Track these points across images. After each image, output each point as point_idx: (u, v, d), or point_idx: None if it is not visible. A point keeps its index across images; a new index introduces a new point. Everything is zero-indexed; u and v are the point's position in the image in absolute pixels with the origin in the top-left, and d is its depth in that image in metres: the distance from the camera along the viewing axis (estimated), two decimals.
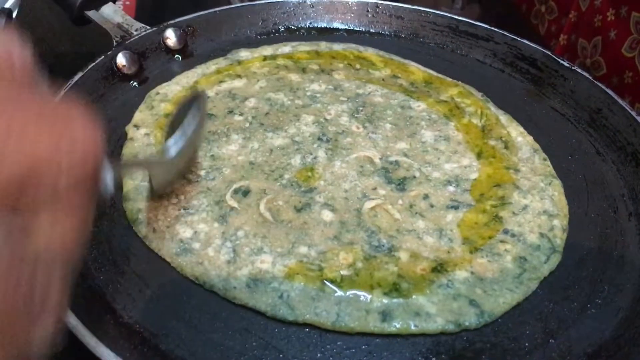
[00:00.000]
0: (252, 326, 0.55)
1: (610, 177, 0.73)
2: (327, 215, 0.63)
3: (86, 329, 0.50)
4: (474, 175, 0.70)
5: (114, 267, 0.59)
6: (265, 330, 0.54)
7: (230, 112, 0.75)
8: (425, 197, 0.66)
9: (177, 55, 0.87)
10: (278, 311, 0.55)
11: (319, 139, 0.72)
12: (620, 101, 0.78)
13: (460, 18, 0.93)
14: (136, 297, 0.56)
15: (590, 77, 0.83)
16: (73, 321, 0.50)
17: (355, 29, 0.96)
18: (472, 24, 0.92)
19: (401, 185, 0.67)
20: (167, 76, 0.82)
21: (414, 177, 0.68)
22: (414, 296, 0.56)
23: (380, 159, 0.70)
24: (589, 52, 1.06)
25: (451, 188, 0.67)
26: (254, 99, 0.77)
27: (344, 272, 0.57)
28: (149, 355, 0.51)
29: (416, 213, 0.64)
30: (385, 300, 0.56)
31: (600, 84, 0.81)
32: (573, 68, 0.85)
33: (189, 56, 0.87)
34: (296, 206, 0.63)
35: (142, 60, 0.83)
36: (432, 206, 0.65)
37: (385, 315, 0.55)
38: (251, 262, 0.58)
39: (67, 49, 0.89)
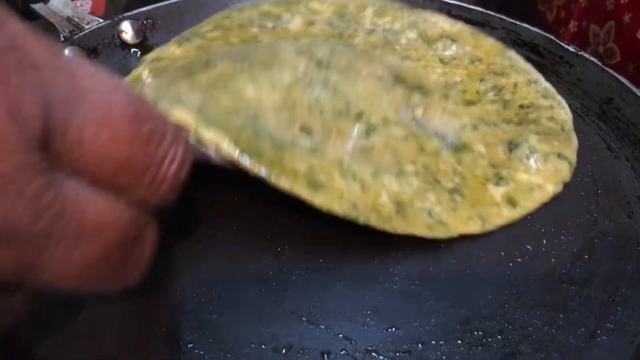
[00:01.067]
0: None
1: (624, 176, 0.64)
2: None
3: None
4: None
5: None
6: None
7: None
8: None
9: (134, 50, 0.79)
10: None
11: None
12: (634, 89, 0.70)
13: (452, 2, 0.84)
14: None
15: (599, 63, 0.74)
16: None
17: None
18: (465, 7, 0.84)
19: None
20: (124, 73, 0.74)
21: None
22: None
23: None
24: (602, 39, 0.99)
25: None
26: None
27: None
28: None
29: None
30: None
31: (611, 71, 0.73)
32: (580, 53, 0.76)
33: (148, 51, 0.79)
34: None
35: (94, 57, 0.75)
36: None
37: None
38: None
39: None
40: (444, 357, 0.47)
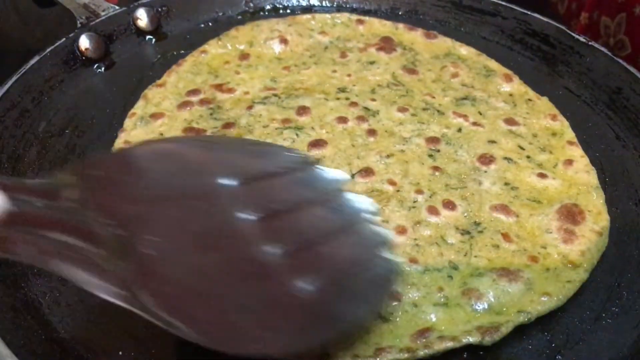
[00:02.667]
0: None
1: (632, 165, 0.65)
2: None
3: (5, 346, 0.43)
4: None
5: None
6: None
7: None
8: None
9: (148, 37, 0.79)
10: None
11: None
12: None
13: None
14: (77, 309, 0.49)
15: (609, 53, 0.74)
16: None
17: (349, 5, 0.87)
18: None
19: None
20: (138, 60, 0.75)
21: None
22: None
23: None
24: (613, 31, 0.98)
25: None
26: None
27: None
28: None
29: None
30: None
31: (621, 61, 0.73)
32: (590, 43, 0.76)
33: (162, 38, 0.80)
34: None
35: (109, 43, 0.76)
36: None
37: None
38: None
39: (18, 33, 0.81)
40: None
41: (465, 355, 0.48)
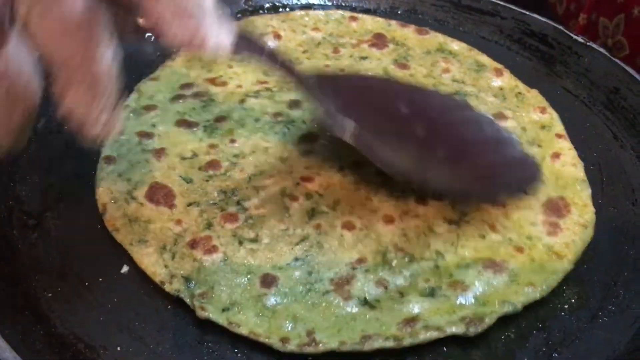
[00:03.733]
0: (205, 339, 0.48)
1: (629, 165, 0.65)
2: None
3: (3, 340, 0.43)
4: None
5: (54, 269, 0.52)
6: (220, 344, 0.47)
7: None
8: None
9: (148, 35, 0.79)
10: None
11: None
12: None
13: None
14: (75, 304, 0.49)
15: (607, 54, 0.74)
16: None
17: (348, 4, 0.88)
18: None
19: None
20: (137, 57, 0.75)
21: None
22: None
23: None
24: (611, 32, 0.98)
25: None
26: None
27: None
28: None
29: None
30: None
31: (618, 61, 0.73)
32: (588, 44, 0.76)
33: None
34: None
35: None
36: None
37: None
38: None
39: None
40: None
41: (458, 351, 0.48)
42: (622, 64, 0.72)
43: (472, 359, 0.47)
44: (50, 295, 0.50)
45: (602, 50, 0.75)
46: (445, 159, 0.57)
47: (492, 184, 0.58)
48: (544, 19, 0.81)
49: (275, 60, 0.53)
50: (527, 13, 0.82)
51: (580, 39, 0.77)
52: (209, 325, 0.48)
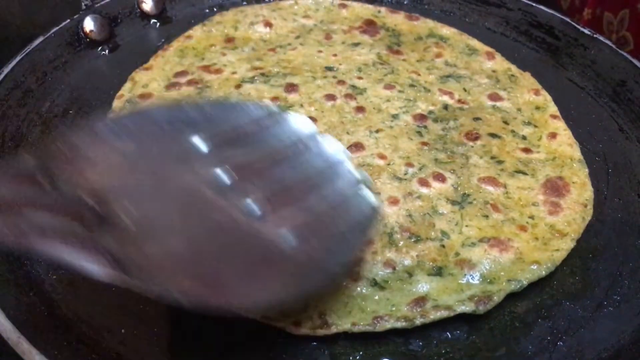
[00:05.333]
0: (211, 323, 0.47)
1: (635, 157, 0.65)
2: None
3: (9, 321, 0.43)
4: None
5: None
6: (224, 332, 0.47)
7: None
8: None
9: (153, 21, 0.79)
10: None
11: None
12: None
13: None
14: (79, 287, 0.49)
15: (614, 46, 0.74)
16: None
17: None
18: None
19: None
20: (142, 44, 0.75)
21: None
22: None
23: None
24: (615, 27, 0.99)
25: None
26: None
27: None
28: (84, 353, 0.44)
29: None
30: None
31: (625, 54, 0.73)
32: (595, 36, 0.76)
33: (167, 22, 0.80)
34: None
35: (114, 26, 0.76)
36: None
37: None
38: None
39: (19, 21, 0.80)
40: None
41: (462, 339, 0.48)
42: (629, 57, 0.72)
43: (477, 347, 0.47)
44: (54, 277, 0.50)
45: (608, 42, 0.75)
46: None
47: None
48: (551, 11, 0.80)
49: None
50: (534, 5, 0.81)
51: (586, 31, 0.77)
52: None
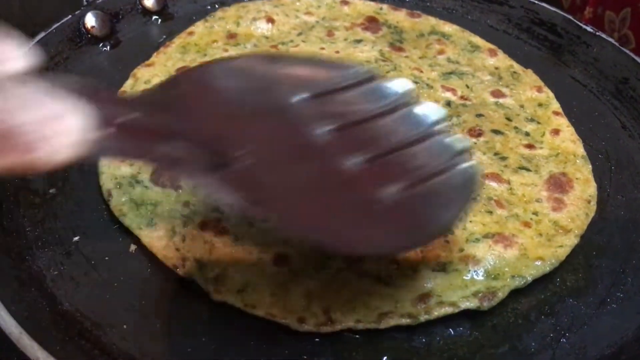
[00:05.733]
0: (214, 318, 0.47)
1: (638, 154, 0.65)
2: None
3: (10, 316, 0.43)
4: None
5: (60, 247, 0.52)
6: (229, 324, 0.47)
7: None
8: None
9: (155, 17, 0.79)
10: None
11: None
12: None
13: None
14: (81, 282, 0.49)
15: (616, 44, 0.74)
16: None
17: None
18: None
19: None
20: (144, 40, 0.75)
21: None
22: None
23: None
24: (617, 25, 0.98)
25: None
26: None
27: None
28: (86, 349, 0.44)
29: None
30: None
31: (627, 51, 0.73)
32: (597, 33, 0.76)
33: (169, 19, 0.79)
34: None
35: (115, 22, 0.75)
36: None
37: None
38: None
39: (18, 20, 0.79)
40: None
41: (465, 336, 0.48)
42: (632, 54, 0.72)
43: (480, 344, 0.47)
44: (56, 273, 0.50)
45: (611, 40, 0.75)
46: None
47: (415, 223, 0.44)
48: (553, 8, 0.80)
49: None
50: (536, 2, 0.81)
51: (589, 29, 0.77)
52: (215, 304, 0.48)
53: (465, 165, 0.46)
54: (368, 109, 0.46)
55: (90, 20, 0.73)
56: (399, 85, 0.49)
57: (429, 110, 0.48)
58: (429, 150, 0.46)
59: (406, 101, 0.48)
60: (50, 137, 0.32)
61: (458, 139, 0.47)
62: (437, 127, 0.47)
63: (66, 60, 0.70)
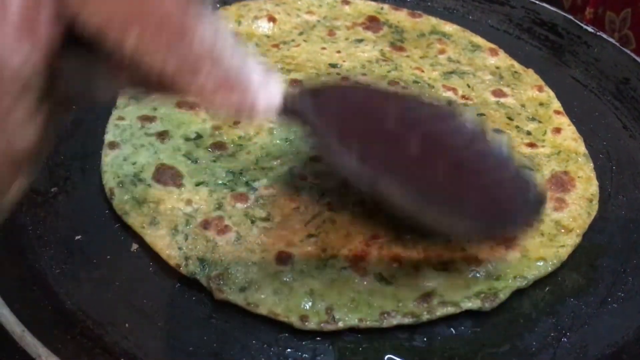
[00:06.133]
0: (213, 316, 0.47)
1: (639, 154, 0.65)
2: None
3: (13, 314, 0.43)
4: None
5: (62, 246, 0.52)
6: (230, 322, 0.47)
7: None
8: None
9: None
10: None
11: None
12: None
13: None
14: (83, 281, 0.49)
15: (617, 44, 0.74)
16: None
17: None
18: None
19: None
20: None
21: None
22: None
23: None
24: (618, 26, 0.98)
25: None
26: None
27: None
28: (87, 347, 0.44)
29: None
30: None
31: (628, 51, 0.73)
32: (598, 34, 0.76)
33: None
34: None
35: None
36: None
37: None
38: None
39: None
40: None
41: (466, 335, 0.48)
42: (633, 54, 0.72)
43: (481, 343, 0.47)
44: (58, 271, 0.50)
45: (611, 40, 0.75)
46: (446, 187, 0.48)
47: (498, 213, 0.49)
48: (554, 9, 0.80)
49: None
50: (537, 2, 0.81)
51: (590, 29, 0.77)
52: (216, 302, 0.48)
53: (535, 189, 0.50)
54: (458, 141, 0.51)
55: None
56: (471, 120, 0.56)
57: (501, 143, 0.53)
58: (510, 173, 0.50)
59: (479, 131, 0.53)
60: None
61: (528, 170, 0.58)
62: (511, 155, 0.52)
63: None
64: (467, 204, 0.46)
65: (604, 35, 0.76)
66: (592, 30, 0.76)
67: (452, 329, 0.48)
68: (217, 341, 0.46)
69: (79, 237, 0.52)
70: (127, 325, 0.46)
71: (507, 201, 0.48)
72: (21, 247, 0.51)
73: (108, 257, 0.51)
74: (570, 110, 0.68)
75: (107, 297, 0.48)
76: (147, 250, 0.51)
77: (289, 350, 0.46)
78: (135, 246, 0.52)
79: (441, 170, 0.47)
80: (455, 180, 0.47)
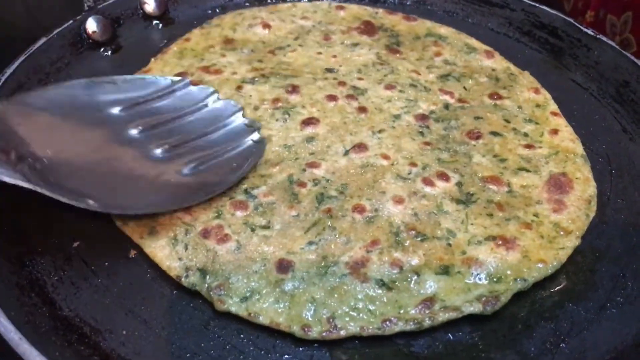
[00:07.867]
0: (211, 322, 0.48)
1: (638, 157, 0.65)
2: None
3: (10, 322, 0.43)
4: None
5: (60, 252, 0.52)
6: (228, 329, 0.47)
7: None
8: None
9: (155, 22, 0.79)
10: None
11: None
12: None
13: None
14: (81, 287, 0.49)
15: (617, 47, 0.74)
16: None
17: None
18: None
19: None
20: (144, 45, 0.75)
21: None
22: None
23: None
24: (619, 29, 0.98)
25: None
26: None
27: None
28: (85, 354, 0.44)
29: None
30: None
31: (628, 55, 0.73)
32: (598, 37, 0.76)
33: (169, 23, 0.80)
34: None
35: (116, 27, 0.76)
36: None
37: None
38: None
39: (23, 23, 0.79)
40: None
41: (466, 341, 0.48)
42: (633, 58, 0.72)
43: (480, 349, 0.47)
44: (56, 278, 0.50)
45: (612, 43, 0.74)
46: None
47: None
48: (554, 12, 0.80)
49: None
50: (537, 5, 0.81)
51: (590, 32, 0.77)
52: (214, 310, 0.48)
53: (252, 139, 0.61)
54: (173, 111, 0.62)
55: (91, 25, 0.73)
56: (201, 90, 0.65)
57: (226, 106, 0.64)
58: (223, 132, 0.61)
59: (207, 102, 0.64)
60: None
61: (249, 120, 0.63)
62: (231, 118, 0.63)
63: (67, 66, 0.70)
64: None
65: (604, 38, 0.75)
66: (592, 34, 0.76)
67: (450, 335, 0.48)
68: (214, 348, 0.46)
69: (77, 243, 0.52)
70: (124, 332, 0.46)
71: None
72: (19, 254, 0.51)
73: (106, 263, 0.51)
74: (570, 113, 0.68)
75: (105, 304, 0.48)
76: (146, 256, 0.51)
77: (286, 356, 0.46)
78: (133, 252, 0.52)
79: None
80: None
